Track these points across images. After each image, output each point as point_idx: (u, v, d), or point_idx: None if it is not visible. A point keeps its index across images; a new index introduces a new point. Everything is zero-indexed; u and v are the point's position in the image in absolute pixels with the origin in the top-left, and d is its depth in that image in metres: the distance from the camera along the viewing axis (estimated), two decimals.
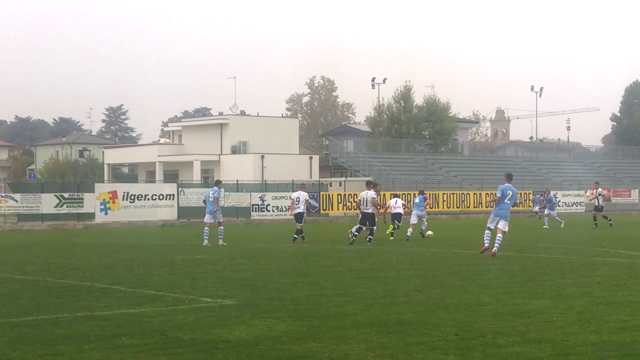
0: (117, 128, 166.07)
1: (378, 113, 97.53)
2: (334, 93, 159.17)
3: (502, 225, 25.62)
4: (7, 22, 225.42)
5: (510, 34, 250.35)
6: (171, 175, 78.26)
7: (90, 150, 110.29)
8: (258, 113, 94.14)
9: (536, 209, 63.06)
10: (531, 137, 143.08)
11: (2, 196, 52.20)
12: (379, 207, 34.33)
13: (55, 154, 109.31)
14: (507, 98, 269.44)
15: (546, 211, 49.01)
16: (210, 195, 33.22)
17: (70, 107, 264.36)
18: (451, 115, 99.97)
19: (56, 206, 52.50)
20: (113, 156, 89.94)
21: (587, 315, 13.67)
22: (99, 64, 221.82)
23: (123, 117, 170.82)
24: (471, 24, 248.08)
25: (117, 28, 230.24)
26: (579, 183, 79.26)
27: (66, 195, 53.28)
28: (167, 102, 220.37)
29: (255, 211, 58.31)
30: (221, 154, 79.65)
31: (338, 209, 62.69)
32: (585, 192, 75.20)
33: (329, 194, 63.20)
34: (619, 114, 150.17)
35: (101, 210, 53.39)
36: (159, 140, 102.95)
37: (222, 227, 33.17)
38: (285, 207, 57.08)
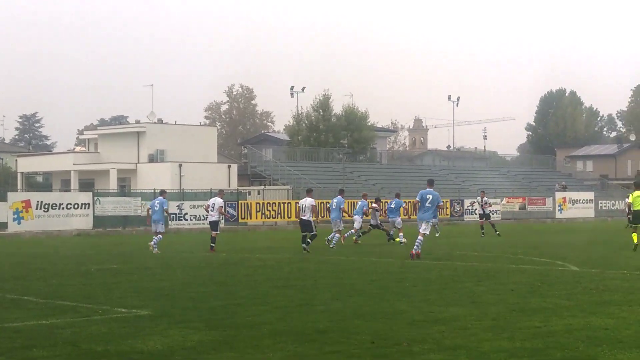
0: (31, 136, 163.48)
1: (297, 122, 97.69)
2: (252, 101, 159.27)
3: (423, 228, 27.23)
4: None
5: (427, 43, 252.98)
6: (87, 184, 77.28)
7: (2, 159, 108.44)
8: (176, 121, 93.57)
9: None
10: (448, 146, 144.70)
11: None
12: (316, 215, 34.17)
13: None
14: (425, 107, 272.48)
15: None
16: (156, 204, 33.84)
17: None
18: (370, 124, 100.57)
19: None
20: (27, 165, 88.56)
21: (501, 322, 13.83)
22: (13, 69, 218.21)
23: (37, 124, 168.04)
24: (389, 34, 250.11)
25: (31, 33, 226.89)
26: (495, 191, 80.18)
27: None
28: (83, 110, 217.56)
29: (173, 220, 57.88)
30: (138, 163, 78.95)
31: (257, 218, 62.52)
32: (502, 201, 76.26)
33: (247, 203, 63.02)
34: (533, 124, 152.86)
35: (14, 219, 52.42)
36: (74, 149, 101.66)
37: (161, 237, 33.62)
38: (203, 215, 56.88)
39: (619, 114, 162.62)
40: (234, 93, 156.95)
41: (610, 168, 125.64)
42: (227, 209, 34.43)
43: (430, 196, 27.32)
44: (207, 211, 35.16)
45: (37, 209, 53.04)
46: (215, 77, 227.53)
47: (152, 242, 33.31)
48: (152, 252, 32.38)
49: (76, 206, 55.22)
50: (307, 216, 32.14)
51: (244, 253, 32.50)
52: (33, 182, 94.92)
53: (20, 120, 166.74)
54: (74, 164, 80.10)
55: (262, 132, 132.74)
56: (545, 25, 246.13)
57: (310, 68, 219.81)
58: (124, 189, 70.90)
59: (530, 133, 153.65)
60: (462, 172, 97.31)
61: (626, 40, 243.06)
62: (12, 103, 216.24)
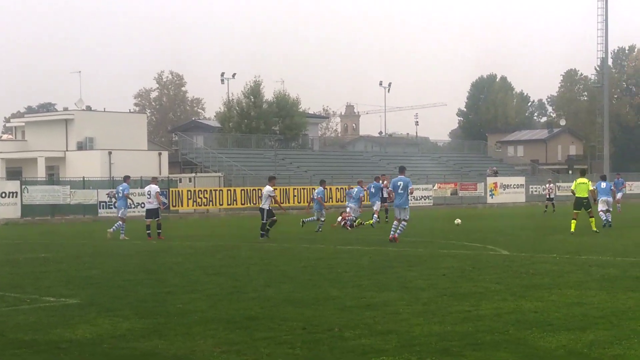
0: None
1: (228, 108, 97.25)
2: (183, 88, 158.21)
3: (403, 214, 28.64)
4: None
5: (358, 29, 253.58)
6: (14, 173, 76.09)
7: None
8: (105, 108, 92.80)
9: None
10: (380, 132, 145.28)
11: None
12: (277, 202, 34.11)
13: None
14: (356, 93, 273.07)
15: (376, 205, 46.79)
16: (120, 190, 34.51)
17: None
18: (301, 110, 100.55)
19: None
20: None
21: (432, 306, 13.97)
22: None
23: None
24: (320, 19, 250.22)
25: None
26: (427, 177, 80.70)
27: None
28: (9, 97, 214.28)
29: (103, 208, 57.35)
30: (67, 150, 78.03)
31: (188, 205, 62.25)
32: (433, 186, 76.84)
33: (178, 190, 62.70)
34: (465, 109, 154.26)
35: None
36: (1, 137, 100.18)
37: (121, 223, 33.87)
38: (133, 204, 56.50)
39: (549, 99, 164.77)
40: (164, 80, 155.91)
41: (541, 153, 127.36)
42: (158, 193, 34.13)
43: (401, 183, 28.67)
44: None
45: None
46: (144, 64, 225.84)
47: (111, 229, 33.89)
48: (114, 238, 33.12)
49: (3, 195, 54.54)
50: (264, 205, 32.27)
51: (175, 241, 32.33)
52: None
53: None
54: (0, 152, 78.94)
55: (193, 119, 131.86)
56: (476, 10, 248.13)
57: (240, 54, 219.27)
58: (53, 178, 70.04)
59: (462, 119, 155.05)
60: (394, 158, 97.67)
61: (556, 25, 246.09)
62: None
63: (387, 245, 27.44)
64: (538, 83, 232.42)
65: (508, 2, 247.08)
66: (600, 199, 36.82)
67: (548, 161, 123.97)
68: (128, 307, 14.46)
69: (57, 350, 10.91)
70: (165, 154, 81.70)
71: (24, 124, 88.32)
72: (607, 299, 14.48)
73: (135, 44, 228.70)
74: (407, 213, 28.92)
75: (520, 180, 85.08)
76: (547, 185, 58.57)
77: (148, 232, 33.19)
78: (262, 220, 32.05)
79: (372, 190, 41.10)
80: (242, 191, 64.64)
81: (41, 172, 73.58)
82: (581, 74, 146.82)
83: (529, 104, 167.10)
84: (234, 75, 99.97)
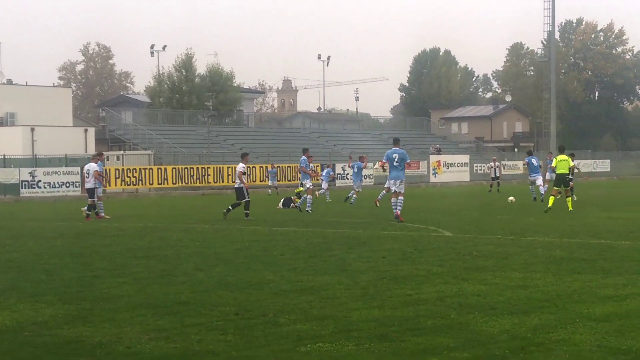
0: None
1: (158, 82, 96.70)
2: (110, 61, 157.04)
3: (399, 187, 28.87)
4: None
5: (296, 0, 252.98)
6: None
7: None
8: (27, 82, 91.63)
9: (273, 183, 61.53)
10: (319, 108, 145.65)
11: None
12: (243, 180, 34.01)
13: None
14: (294, 67, 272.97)
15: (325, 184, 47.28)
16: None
17: None
18: (236, 85, 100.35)
19: None
20: None
21: (371, 290, 14.03)
22: None
23: None
24: None
25: None
26: (368, 155, 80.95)
27: None
28: None
29: (25, 188, 56.75)
30: None
31: (116, 185, 61.80)
32: (374, 165, 77.09)
33: (106, 169, 62.14)
34: (407, 84, 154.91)
35: None
36: None
37: (101, 202, 34.59)
38: (57, 183, 56.10)
39: (494, 74, 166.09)
40: (90, 52, 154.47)
41: (486, 130, 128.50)
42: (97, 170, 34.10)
43: (397, 155, 28.87)
44: (83, 180, 35.46)
45: None
46: (69, 35, 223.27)
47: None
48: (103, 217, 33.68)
49: None
50: (237, 183, 32.46)
51: (101, 222, 32.10)
52: None
53: None
54: None
55: (121, 93, 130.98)
56: None
57: (171, 25, 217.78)
58: None
59: (404, 94, 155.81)
60: (333, 135, 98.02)
61: None
62: None
63: (325, 227, 27.49)
64: (483, 57, 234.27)
65: None
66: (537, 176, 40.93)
67: (493, 138, 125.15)
68: (51, 292, 14.33)
69: None
70: (91, 131, 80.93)
71: None
72: (552, 282, 14.65)
73: (59, 14, 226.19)
74: (403, 186, 29.25)
75: (465, 158, 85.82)
76: (492, 163, 59.19)
77: (88, 212, 33.93)
78: (245, 198, 32.00)
79: (355, 170, 42.60)
80: (174, 170, 64.25)
81: None
82: (527, 48, 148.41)
83: (474, 79, 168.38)
84: (164, 47, 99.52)
